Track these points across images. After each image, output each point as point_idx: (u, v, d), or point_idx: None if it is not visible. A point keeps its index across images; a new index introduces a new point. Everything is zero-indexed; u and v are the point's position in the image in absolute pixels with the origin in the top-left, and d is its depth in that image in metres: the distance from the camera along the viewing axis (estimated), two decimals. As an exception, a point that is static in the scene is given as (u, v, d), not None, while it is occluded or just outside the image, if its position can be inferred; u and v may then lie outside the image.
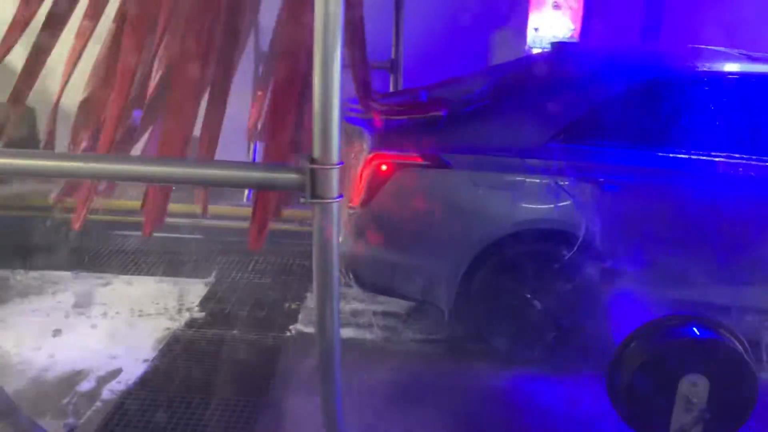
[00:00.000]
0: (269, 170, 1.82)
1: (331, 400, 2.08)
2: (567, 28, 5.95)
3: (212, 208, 5.29)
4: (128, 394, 2.89)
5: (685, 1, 6.11)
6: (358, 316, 3.79)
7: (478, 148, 3.10)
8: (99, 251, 4.63)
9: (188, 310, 3.76)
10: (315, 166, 1.71)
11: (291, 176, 1.75)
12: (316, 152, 1.71)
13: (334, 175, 1.73)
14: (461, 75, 4.07)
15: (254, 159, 5.43)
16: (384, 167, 3.05)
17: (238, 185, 1.78)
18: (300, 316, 3.76)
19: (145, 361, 3.17)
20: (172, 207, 5.28)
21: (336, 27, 1.64)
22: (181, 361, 3.20)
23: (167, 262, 4.45)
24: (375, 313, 3.81)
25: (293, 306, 3.89)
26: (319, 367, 2.01)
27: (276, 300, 3.96)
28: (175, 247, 4.71)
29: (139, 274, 4.25)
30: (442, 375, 3.21)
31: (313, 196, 1.74)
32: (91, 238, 4.82)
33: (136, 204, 5.24)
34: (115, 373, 3.04)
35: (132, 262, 4.45)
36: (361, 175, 3.07)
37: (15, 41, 2.22)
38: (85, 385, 2.94)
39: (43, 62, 2.24)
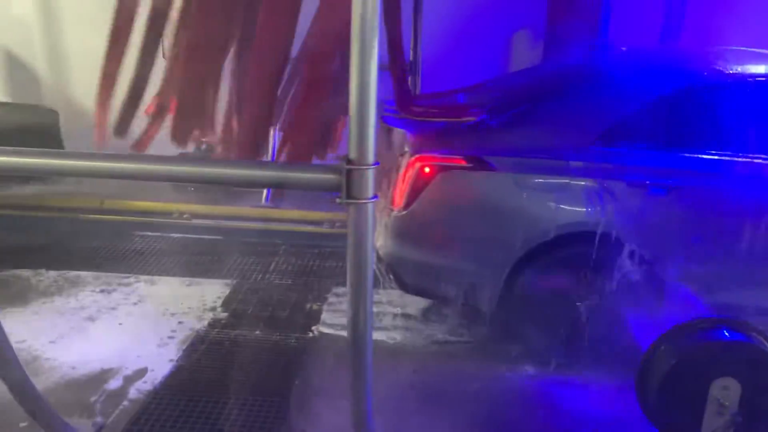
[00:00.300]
0: (305, 170, 1.82)
1: (362, 400, 2.08)
2: (587, 29, 5.91)
3: (232, 210, 5.37)
4: (155, 393, 2.91)
5: (706, 1, 6.07)
6: (378, 317, 3.79)
7: (522, 150, 3.08)
8: (120, 251, 4.66)
9: (211, 310, 3.77)
10: (351, 166, 1.71)
11: (327, 176, 1.75)
12: (352, 153, 1.71)
13: (370, 175, 1.74)
14: (498, 77, 4.04)
15: (273, 157, 5.48)
16: (427, 169, 3.04)
17: (274, 185, 1.78)
18: (322, 317, 3.76)
19: (171, 360, 3.19)
20: (193, 208, 5.36)
21: (373, 29, 1.65)
22: (206, 362, 3.21)
23: (188, 262, 4.47)
24: (395, 315, 3.82)
25: (315, 307, 3.90)
26: (350, 367, 2.01)
27: (298, 301, 3.96)
28: (195, 247, 4.74)
29: (160, 275, 4.27)
30: (466, 376, 3.19)
31: (349, 196, 1.74)
32: (111, 238, 4.87)
33: (156, 205, 5.33)
34: (142, 373, 3.06)
35: (153, 263, 4.47)
36: (403, 177, 3.07)
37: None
38: (113, 384, 2.96)
39: (147, 78, 2.29)
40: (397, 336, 3.58)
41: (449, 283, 3.21)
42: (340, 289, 4.14)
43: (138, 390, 2.93)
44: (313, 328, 3.64)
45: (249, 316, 3.74)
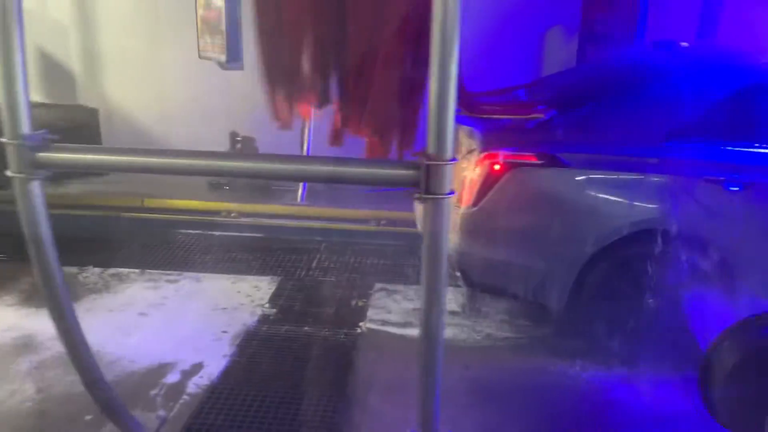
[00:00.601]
0: (384, 166, 1.84)
1: (430, 397, 2.08)
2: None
3: (270, 207, 5.41)
4: (213, 388, 2.95)
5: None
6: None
7: (594, 146, 3.07)
8: (163, 249, 4.73)
9: (259, 306, 3.82)
10: (430, 162, 1.72)
11: (406, 172, 1.76)
12: (431, 148, 1.72)
13: (449, 171, 1.75)
14: (559, 72, 4.00)
15: (308, 152, 5.54)
16: (497, 166, 3.04)
17: (353, 181, 1.80)
18: (367, 314, 3.79)
19: (225, 355, 3.23)
20: (232, 207, 5.40)
21: (454, 23, 1.66)
22: (259, 357, 3.25)
23: (232, 259, 4.53)
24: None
25: (360, 303, 3.93)
26: (420, 364, 2.01)
27: (342, 297, 4.00)
28: (238, 245, 4.79)
29: (205, 272, 4.32)
30: (519, 371, 3.20)
31: (427, 191, 1.75)
32: (154, 236, 4.94)
33: (199, 204, 5.38)
34: (198, 367, 3.11)
35: (197, 260, 4.54)
36: (472, 174, 3.08)
37: None
38: (171, 379, 3.01)
39: None
40: (449, 333, 3.59)
41: (518, 281, 3.21)
42: (383, 286, 4.17)
43: (196, 384, 2.98)
44: (360, 324, 3.67)
45: (296, 312, 3.79)
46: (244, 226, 5.13)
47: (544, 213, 3.12)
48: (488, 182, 3.05)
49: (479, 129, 3.20)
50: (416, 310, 3.87)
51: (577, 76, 3.96)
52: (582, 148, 3.08)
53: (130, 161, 1.99)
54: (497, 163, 3.04)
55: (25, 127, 1.90)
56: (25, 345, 3.31)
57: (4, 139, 1.89)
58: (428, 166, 1.72)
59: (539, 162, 3.06)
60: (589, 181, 3.04)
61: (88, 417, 2.68)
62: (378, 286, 4.18)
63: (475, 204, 3.09)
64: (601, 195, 3.03)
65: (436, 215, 1.78)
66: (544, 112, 3.12)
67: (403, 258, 4.65)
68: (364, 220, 5.10)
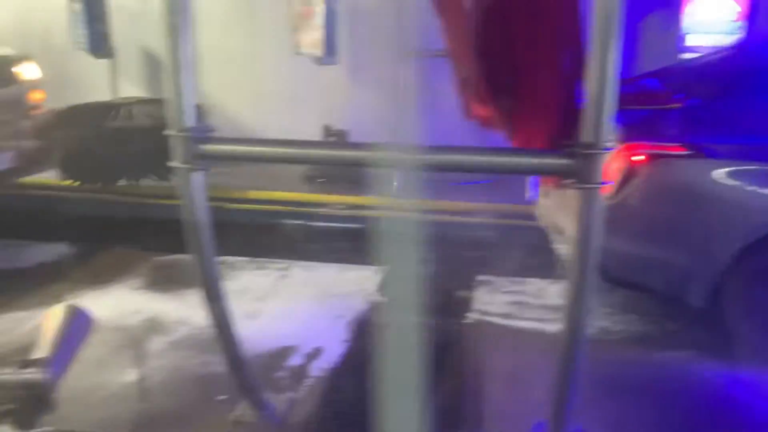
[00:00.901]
0: (539, 156, 1.86)
1: (566, 392, 2.09)
2: (732, 10, 5.62)
3: (367, 199, 5.50)
4: (336, 371, 3.05)
5: None
6: (525, 307, 3.80)
7: (741, 136, 2.97)
8: (269, 239, 4.89)
9: (369, 294, 3.91)
10: (586, 151, 1.73)
11: (561, 161, 1.78)
12: (588, 137, 1.73)
13: (603, 160, 1.75)
14: (692, 59, 3.85)
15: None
16: (637, 158, 2.98)
17: (509, 171, 1.84)
18: (474, 305, 3.81)
19: (343, 341, 3.33)
20: (331, 198, 5.52)
21: (616, 10, 1.66)
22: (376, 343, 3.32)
23: (336, 249, 4.64)
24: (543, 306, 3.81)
25: (464, 294, 3.95)
26: (560, 358, 2.02)
27: (447, 289, 4.02)
28: (340, 235, 4.94)
29: (311, 260, 4.45)
30: (627, 366, 3.15)
31: (582, 181, 1.76)
32: (258, 226, 5.12)
33: (300, 196, 5.52)
34: (318, 351, 3.21)
35: (303, 249, 4.67)
36: (611, 165, 3.04)
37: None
38: (294, 362, 3.13)
39: None
40: (551, 327, 3.56)
41: (657, 275, 3.11)
42: (481, 278, 4.18)
43: (319, 368, 3.08)
44: (467, 314, 3.70)
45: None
46: (343, 216, 5.24)
47: (689, 206, 3.01)
48: (629, 174, 2.97)
49: (617, 120, 3.13)
50: (516, 303, 3.86)
51: (716, 62, 3.79)
52: (728, 138, 2.96)
53: (281, 152, 2.10)
54: (639, 154, 2.97)
55: (191, 120, 2.02)
56: (153, 327, 3.51)
57: (171, 132, 2.03)
58: (584, 155, 1.73)
59: (684, 153, 2.97)
60: (736, 172, 2.92)
61: (220, 397, 2.82)
62: (477, 278, 4.19)
63: (613, 196, 3.02)
64: (749, 187, 2.91)
65: (590, 205, 1.79)
66: (682, 101, 3.03)
67: (499, 250, 4.63)
68: (460, 212, 5.11)
